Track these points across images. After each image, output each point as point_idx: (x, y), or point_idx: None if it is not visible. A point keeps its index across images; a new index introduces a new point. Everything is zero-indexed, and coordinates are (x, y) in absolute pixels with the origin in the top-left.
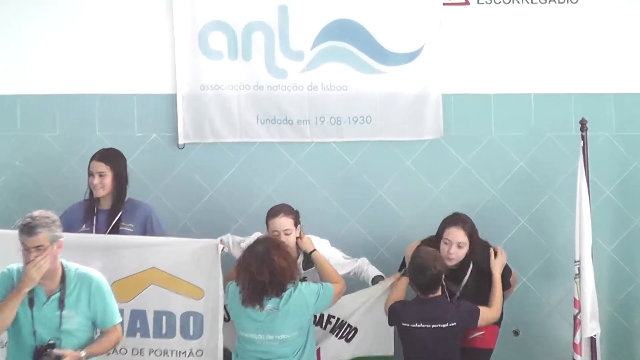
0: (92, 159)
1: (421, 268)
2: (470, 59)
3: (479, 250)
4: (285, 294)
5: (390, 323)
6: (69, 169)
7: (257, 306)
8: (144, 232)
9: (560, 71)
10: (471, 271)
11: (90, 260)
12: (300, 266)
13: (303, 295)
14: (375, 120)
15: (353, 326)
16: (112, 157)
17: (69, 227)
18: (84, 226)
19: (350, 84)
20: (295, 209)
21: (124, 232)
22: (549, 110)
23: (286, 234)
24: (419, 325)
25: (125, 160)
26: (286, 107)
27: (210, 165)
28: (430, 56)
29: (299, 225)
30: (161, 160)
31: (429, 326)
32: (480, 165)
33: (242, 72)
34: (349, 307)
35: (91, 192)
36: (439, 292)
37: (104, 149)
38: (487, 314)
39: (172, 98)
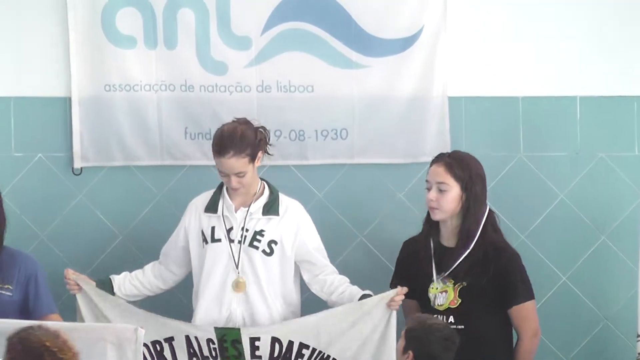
0: None
1: (445, 342)
2: (489, 47)
3: (489, 239)
4: None
5: None
6: None
7: None
8: (26, 298)
9: (617, 67)
10: (469, 255)
11: None
12: (260, 212)
13: None
14: (353, 134)
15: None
16: None
17: None
18: None
19: (319, 82)
20: (255, 126)
21: (1, 298)
22: (601, 120)
23: (239, 177)
24: None
25: None
26: (226, 115)
27: (119, 199)
28: (432, 43)
29: (259, 154)
30: (49, 192)
31: None
32: (503, 199)
33: (163, 66)
34: (329, 332)
35: None
36: None
37: None
38: None
39: (65, 103)
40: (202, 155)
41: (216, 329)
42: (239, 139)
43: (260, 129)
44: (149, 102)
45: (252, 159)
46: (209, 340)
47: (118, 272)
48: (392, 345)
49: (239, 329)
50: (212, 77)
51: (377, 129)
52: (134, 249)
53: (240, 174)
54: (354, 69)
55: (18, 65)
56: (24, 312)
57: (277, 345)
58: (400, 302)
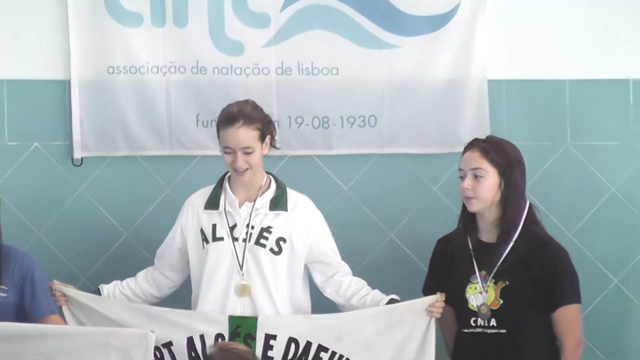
0: None
1: None
2: (533, 24)
3: (533, 233)
4: None
5: None
6: None
7: None
8: (22, 299)
9: None
10: (512, 250)
11: None
12: (267, 207)
13: None
14: (382, 121)
15: None
16: None
17: None
18: None
19: (344, 64)
20: (262, 109)
21: None
22: None
23: (246, 153)
24: None
25: None
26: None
27: (124, 193)
28: (470, 21)
29: (267, 137)
30: (46, 185)
31: None
32: (547, 193)
33: (172, 46)
34: (352, 337)
35: None
36: None
37: None
38: None
39: (63, 86)
40: (215, 145)
41: (231, 317)
42: (250, 110)
43: (269, 116)
44: (157, 86)
45: (261, 138)
46: (219, 336)
47: (122, 274)
48: (431, 357)
49: (256, 318)
50: (227, 58)
51: (408, 116)
52: (140, 248)
53: (248, 150)
54: (383, 49)
55: (11, 44)
56: (21, 314)
57: (292, 346)
58: (441, 309)
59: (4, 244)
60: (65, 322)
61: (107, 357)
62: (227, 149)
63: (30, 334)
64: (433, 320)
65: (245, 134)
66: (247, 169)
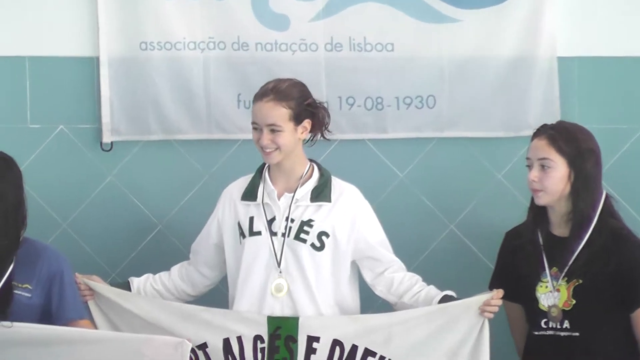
0: None
1: None
2: None
3: (609, 227)
4: None
5: None
6: None
7: None
8: (48, 300)
9: None
10: (586, 245)
11: None
12: (308, 197)
13: None
14: (441, 102)
15: None
16: None
17: None
18: None
19: (400, 40)
20: (305, 89)
21: (17, 299)
22: None
23: (272, 131)
24: None
25: (15, 172)
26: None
27: (158, 181)
28: None
29: (306, 122)
30: (73, 172)
31: None
32: (624, 181)
33: (211, 20)
34: (402, 339)
35: None
36: None
37: None
38: None
39: (92, 64)
40: None
41: (269, 318)
42: (286, 87)
43: (321, 102)
44: (194, 63)
45: (295, 118)
46: (257, 338)
47: (154, 270)
48: None
49: (297, 319)
50: (271, 33)
51: (470, 96)
52: (175, 241)
53: (274, 127)
54: (443, 23)
55: (32, 17)
56: (46, 316)
57: (337, 350)
58: (497, 308)
59: (28, 238)
60: (94, 323)
61: None
62: (254, 124)
63: (57, 338)
64: (486, 321)
65: (271, 110)
66: (274, 150)
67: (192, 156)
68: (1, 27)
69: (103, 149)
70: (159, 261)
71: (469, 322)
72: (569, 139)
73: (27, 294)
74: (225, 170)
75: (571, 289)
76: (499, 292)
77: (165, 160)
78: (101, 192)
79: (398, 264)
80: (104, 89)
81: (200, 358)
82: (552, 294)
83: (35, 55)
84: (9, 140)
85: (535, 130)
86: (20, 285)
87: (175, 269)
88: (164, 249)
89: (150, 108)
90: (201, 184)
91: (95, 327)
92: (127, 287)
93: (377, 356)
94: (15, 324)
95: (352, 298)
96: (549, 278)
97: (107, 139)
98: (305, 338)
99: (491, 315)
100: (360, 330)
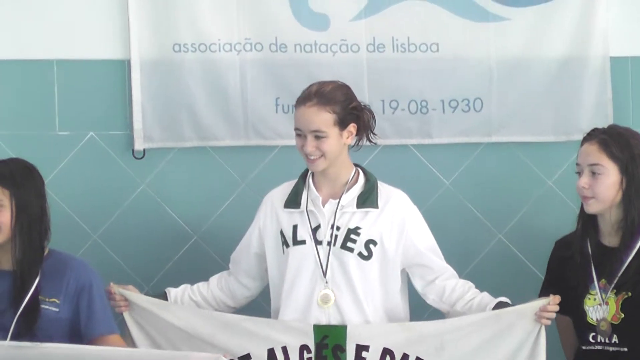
0: None
1: None
2: None
3: None
4: None
5: None
6: None
7: None
8: (76, 315)
9: None
10: (636, 256)
11: None
12: (354, 204)
13: None
14: (489, 105)
15: None
16: (12, 176)
17: None
18: None
19: (445, 40)
20: (350, 92)
21: (44, 314)
22: None
23: (317, 137)
24: None
25: (38, 180)
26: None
27: (193, 189)
28: None
29: (351, 126)
30: (104, 180)
31: None
32: None
33: (248, 20)
34: (454, 347)
35: None
36: None
37: None
38: None
39: (123, 67)
40: None
41: (316, 327)
42: (330, 90)
43: (365, 105)
44: (230, 66)
45: (340, 123)
46: (303, 348)
47: (191, 283)
48: None
49: (344, 327)
50: (310, 34)
51: (519, 99)
52: (212, 253)
53: (318, 134)
54: (491, 21)
55: (61, 19)
56: (75, 331)
57: (387, 359)
58: (554, 315)
59: (54, 250)
60: (126, 335)
61: None
62: (297, 131)
63: (86, 357)
64: (543, 328)
65: (315, 116)
66: (319, 158)
67: (228, 163)
68: (27, 30)
69: (135, 157)
70: (194, 274)
71: (524, 329)
72: (621, 144)
73: (54, 309)
74: (262, 178)
75: (620, 302)
76: (556, 298)
77: (200, 167)
78: (133, 202)
79: (450, 271)
80: (136, 94)
81: None
82: (600, 307)
83: (64, 58)
84: (36, 148)
85: (585, 135)
86: (47, 299)
87: (214, 279)
88: (200, 260)
89: (184, 113)
90: (238, 192)
91: (132, 340)
92: (164, 298)
93: None
94: (40, 344)
95: (402, 309)
96: (597, 290)
97: (139, 146)
98: (354, 347)
99: (548, 322)
100: (411, 338)
